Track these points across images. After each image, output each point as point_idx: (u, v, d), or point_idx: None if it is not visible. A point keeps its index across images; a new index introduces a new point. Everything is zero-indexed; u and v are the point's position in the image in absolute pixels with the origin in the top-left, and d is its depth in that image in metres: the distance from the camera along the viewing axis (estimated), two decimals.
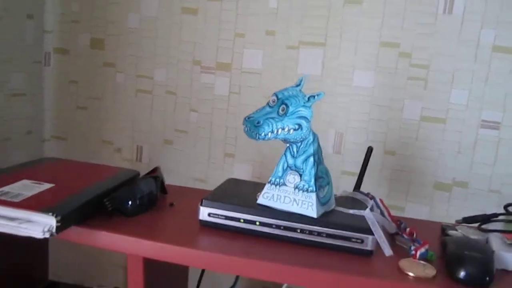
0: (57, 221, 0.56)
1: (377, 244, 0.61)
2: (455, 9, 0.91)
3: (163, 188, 0.80)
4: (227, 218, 0.65)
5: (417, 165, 0.98)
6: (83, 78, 1.26)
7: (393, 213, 0.70)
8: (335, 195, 0.71)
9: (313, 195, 0.63)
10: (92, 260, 1.32)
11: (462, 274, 0.54)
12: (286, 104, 0.61)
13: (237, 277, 0.93)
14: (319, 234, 0.62)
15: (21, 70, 1.21)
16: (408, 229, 0.67)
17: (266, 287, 1.16)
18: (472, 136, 0.98)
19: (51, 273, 0.95)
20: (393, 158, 0.99)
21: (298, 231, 0.63)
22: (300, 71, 1.05)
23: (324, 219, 0.63)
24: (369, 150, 0.79)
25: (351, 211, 0.66)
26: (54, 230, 0.56)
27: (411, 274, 0.56)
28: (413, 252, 0.61)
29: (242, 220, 0.65)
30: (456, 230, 0.72)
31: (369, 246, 0.60)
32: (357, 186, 0.80)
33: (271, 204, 0.65)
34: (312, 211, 0.62)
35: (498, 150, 0.97)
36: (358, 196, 0.74)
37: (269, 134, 0.59)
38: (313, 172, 0.63)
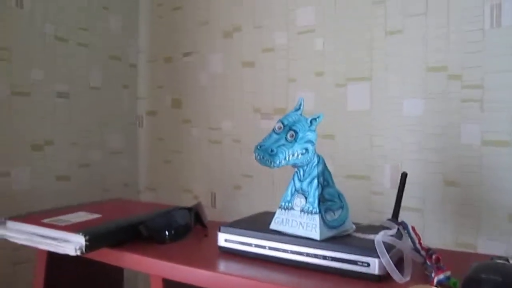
0: (86, 240, 0.65)
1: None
2: (503, 22, 0.83)
3: (201, 222, 0.85)
4: (240, 243, 0.67)
5: (485, 195, 0.86)
6: (168, 135, 1.43)
7: (463, 251, 0.64)
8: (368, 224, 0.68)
9: (317, 217, 0.61)
10: None
11: None
12: (294, 131, 0.63)
13: None
14: (325, 257, 0.60)
15: (119, 132, 1.43)
16: (434, 256, 0.60)
17: None
18: None
19: None
20: (456, 190, 0.89)
21: (305, 254, 0.61)
22: (350, 108, 1.05)
23: (328, 241, 0.61)
24: (403, 176, 0.74)
25: (362, 235, 0.63)
26: (84, 249, 0.65)
27: None
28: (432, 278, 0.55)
29: (253, 245, 0.66)
30: (508, 261, 0.61)
31: (376, 270, 0.56)
32: (394, 215, 0.75)
33: (281, 228, 0.66)
34: (315, 233, 0.61)
35: None
36: (387, 223, 0.70)
37: (283, 161, 0.62)
38: (317, 193, 0.62)
